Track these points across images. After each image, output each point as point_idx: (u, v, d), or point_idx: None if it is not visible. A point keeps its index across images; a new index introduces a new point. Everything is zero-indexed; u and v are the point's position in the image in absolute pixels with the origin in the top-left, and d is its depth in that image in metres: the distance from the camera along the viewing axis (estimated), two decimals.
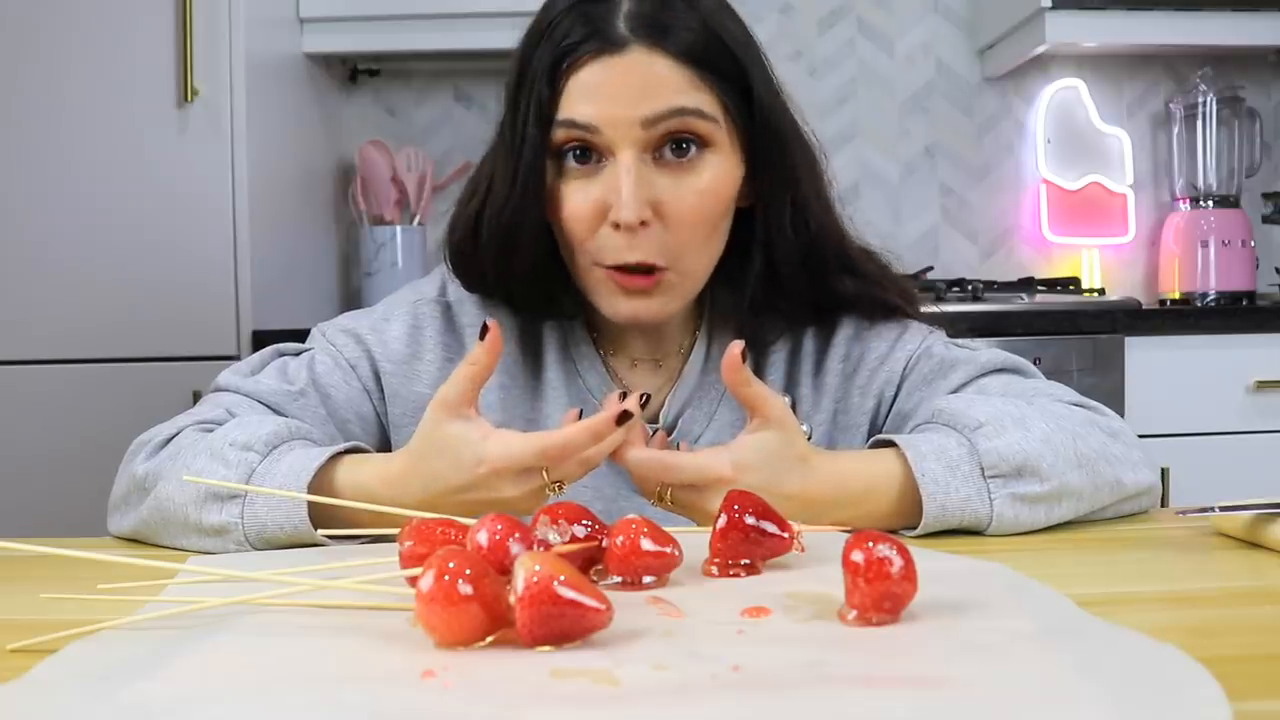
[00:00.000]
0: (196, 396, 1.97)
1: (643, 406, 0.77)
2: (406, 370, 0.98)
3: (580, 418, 0.80)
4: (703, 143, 0.90)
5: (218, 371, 0.98)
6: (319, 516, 0.78)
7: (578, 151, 0.89)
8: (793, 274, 0.96)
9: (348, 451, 0.83)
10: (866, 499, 0.81)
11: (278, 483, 0.78)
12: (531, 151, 0.89)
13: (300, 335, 1.05)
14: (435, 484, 0.77)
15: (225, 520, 0.79)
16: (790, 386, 1.00)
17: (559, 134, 0.89)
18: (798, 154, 0.95)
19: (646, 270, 0.90)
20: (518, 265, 0.94)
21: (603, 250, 0.90)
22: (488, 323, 0.76)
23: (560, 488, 0.77)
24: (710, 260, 0.94)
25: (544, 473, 0.75)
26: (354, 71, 2.54)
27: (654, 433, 0.93)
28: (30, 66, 1.91)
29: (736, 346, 0.78)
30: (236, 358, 1.91)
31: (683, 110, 0.88)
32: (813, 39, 2.60)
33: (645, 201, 0.87)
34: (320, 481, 0.79)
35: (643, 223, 0.87)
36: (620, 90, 0.87)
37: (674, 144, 0.89)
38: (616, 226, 0.88)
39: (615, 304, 0.92)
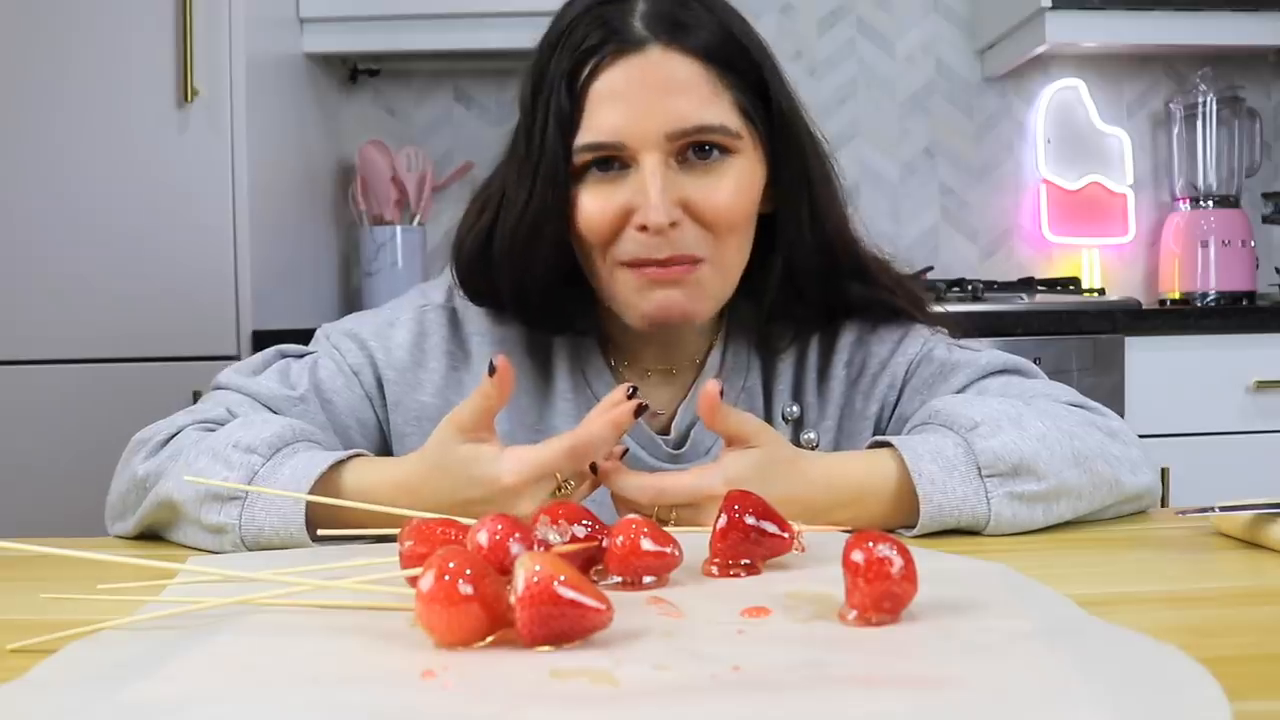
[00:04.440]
0: (196, 397, 1.96)
1: (637, 406, 0.78)
2: (410, 378, 0.98)
3: None
4: (726, 150, 0.89)
5: (218, 372, 0.97)
6: (317, 521, 0.78)
7: (600, 162, 0.88)
8: (809, 279, 0.96)
9: (351, 457, 0.83)
10: (860, 499, 0.81)
11: (280, 488, 0.78)
12: (551, 163, 0.88)
13: (300, 335, 1.05)
14: (446, 497, 0.76)
15: (223, 521, 0.79)
16: (797, 395, 1.00)
17: (582, 157, 0.88)
18: (814, 158, 0.95)
19: (679, 262, 0.88)
20: (533, 281, 0.92)
21: (629, 250, 0.89)
22: (495, 362, 0.75)
23: (566, 488, 0.77)
24: (741, 262, 0.94)
25: (556, 476, 0.76)
26: (354, 71, 2.54)
27: (663, 444, 0.93)
28: (30, 66, 1.91)
29: (714, 386, 0.77)
30: (236, 358, 1.90)
31: (707, 128, 0.87)
32: (813, 39, 2.60)
33: (673, 203, 0.87)
34: (323, 487, 0.79)
35: (672, 224, 0.87)
36: (642, 96, 0.86)
37: (697, 148, 0.88)
38: (643, 229, 0.87)
39: (644, 299, 0.90)
